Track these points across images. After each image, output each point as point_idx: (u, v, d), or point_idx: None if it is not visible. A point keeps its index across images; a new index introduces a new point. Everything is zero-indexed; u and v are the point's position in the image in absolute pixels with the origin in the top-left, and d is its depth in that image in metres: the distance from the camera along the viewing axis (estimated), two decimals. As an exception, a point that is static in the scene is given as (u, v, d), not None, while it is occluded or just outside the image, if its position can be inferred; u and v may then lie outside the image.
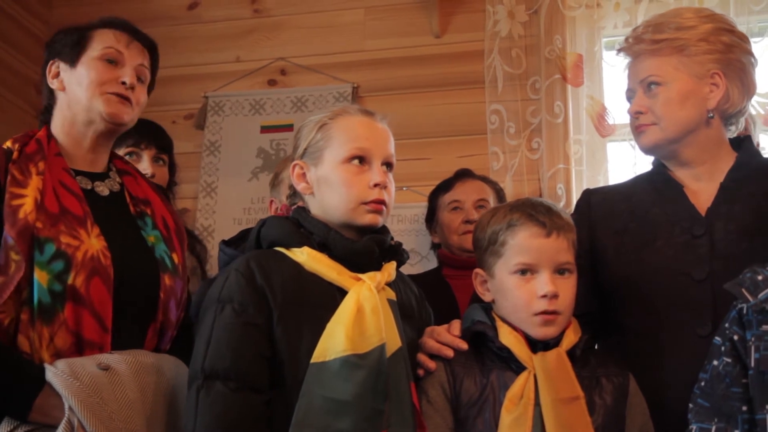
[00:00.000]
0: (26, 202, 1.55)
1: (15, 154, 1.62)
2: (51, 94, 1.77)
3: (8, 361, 1.50)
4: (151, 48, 1.83)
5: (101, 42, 1.74)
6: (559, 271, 1.57)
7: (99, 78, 1.71)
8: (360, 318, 1.47)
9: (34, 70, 3.33)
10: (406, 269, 2.77)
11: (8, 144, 1.66)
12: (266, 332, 1.47)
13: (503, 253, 1.59)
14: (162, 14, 3.48)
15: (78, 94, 1.72)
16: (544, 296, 1.54)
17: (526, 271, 1.57)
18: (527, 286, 1.56)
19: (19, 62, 3.37)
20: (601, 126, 3.00)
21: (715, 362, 1.48)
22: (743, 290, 1.44)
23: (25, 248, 1.51)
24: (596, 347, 1.82)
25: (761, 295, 1.41)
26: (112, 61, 1.73)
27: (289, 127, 3.21)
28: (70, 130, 1.73)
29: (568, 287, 1.57)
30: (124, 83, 1.72)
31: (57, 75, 1.75)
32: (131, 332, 1.64)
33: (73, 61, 1.73)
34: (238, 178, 3.26)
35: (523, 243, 1.56)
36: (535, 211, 1.58)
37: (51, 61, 1.76)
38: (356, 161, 1.58)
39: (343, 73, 3.28)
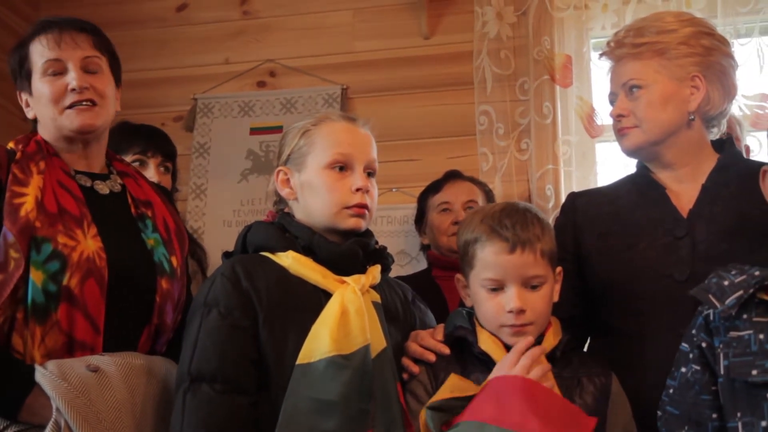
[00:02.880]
0: (27, 201, 1.56)
1: (18, 155, 1.63)
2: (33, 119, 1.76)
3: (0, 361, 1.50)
4: (87, 30, 1.73)
5: (37, 58, 1.69)
6: (529, 285, 1.56)
7: (51, 96, 1.67)
8: (344, 319, 1.48)
9: (22, 72, 3.32)
10: (395, 270, 2.77)
11: (11, 145, 1.67)
12: (252, 335, 1.49)
13: (474, 266, 1.59)
14: (150, 16, 3.47)
15: (45, 118, 1.70)
16: (511, 312, 1.54)
17: (494, 285, 1.56)
18: (496, 299, 1.56)
19: (6, 64, 3.35)
20: (591, 126, 3.01)
21: (684, 369, 1.46)
22: (710, 296, 1.42)
23: (25, 247, 1.52)
24: (583, 349, 1.84)
25: (728, 301, 1.39)
26: (55, 73, 1.67)
27: (278, 129, 3.20)
28: (57, 143, 1.72)
29: (537, 299, 1.56)
30: (73, 90, 1.66)
31: (27, 104, 1.74)
32: (125, 334, 1.64)
33: (27, 87, 1.72)
34: (228, 180, 3.26)
35: (488, 259, 1.56)
36: (500, 226, 1.56)
37: (18, 92, 1.75)
38: (338, 167, 1.60)
39: (332, 75, 3.28)
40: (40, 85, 1.68)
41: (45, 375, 1.47)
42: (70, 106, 1.67)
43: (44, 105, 1.68)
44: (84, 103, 1.67)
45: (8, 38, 3.37)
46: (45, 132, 1.73)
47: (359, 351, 1.46)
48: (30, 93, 1.72)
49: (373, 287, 1.60)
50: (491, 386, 1.46)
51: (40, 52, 1.69)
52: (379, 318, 1.55)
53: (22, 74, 1.72)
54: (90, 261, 1.58)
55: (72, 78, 1.67)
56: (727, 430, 1.38)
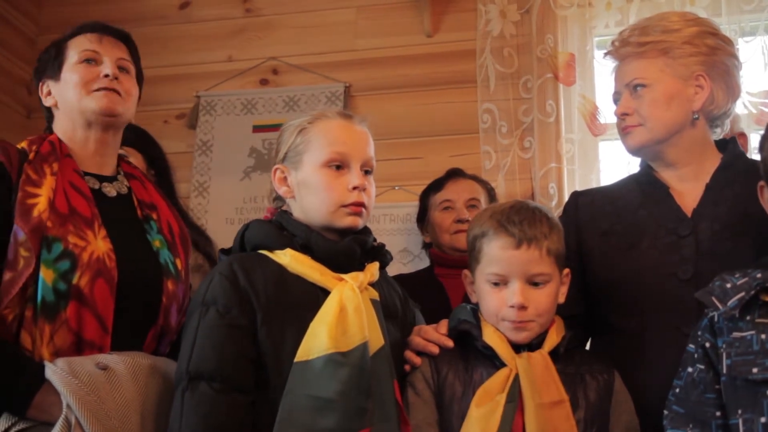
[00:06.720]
0: (40, 201, 1.57)
1: (31, 155, 1.65)
2: (49, 111, 1.80)
3: (9, 357, 1.51)
4: (125, 39, 1.84)
5: (76, 48, 1.76)
6: (533, 281, 1.57)
7: (82, 78, 1.73)
8: (343, 317, 1.48)
9: (25, 69, 3.33)
10: (398, 268, 2.77)
11: (23, 145, 1.69)
12: (250, 334, 1.48)
13: (480, 260, 1.61)
14: (153, 14, 3.48)
15: (69, 101, 1.74)
16: (513, 306, 1.55)
17: (498, 280, 1.58)
18: (499, 294, 1.57)
19: (9, 61, 3.36)
20: (593, 125, 3.00)
21: (690, 369, 1.49)
22: (713, 298, 1.45)
23: (36, 246, 1.53)
24: (586, 347, 1.84)
25: (730, 303, 1.42)
26: (90, 61, 1.75)
27: (281, 127, 3.20)
28: (73, 136, 1.75)
29: (540, 297, 1.56)
30: (106, 76, 1.73)
31: (49, 93, 1.78)
32: (131, 335, 1.65)
33: (56, 74, 1.76)
34: (231, 178, 3.27)
35: (494, 253, 1.57)
36: (507, 222, 1.57)
37: (41, 83, 1.80)
38: (335, 165, 1.59)
39: (335, 73, 3.29)
40: (73, 70, 1.74)
41: (56, 372, 1.48)
42: (98, 90, 1.72)
43: (71, 88, 1.73)
44: (111, 89, 1.73)
45: (11, 35, 3.39)
46: (62, 123, 1.76)
47: (357, 348, 1.46)
48: (57, 79, 1.76)
49: (372, 284, 1.59)
50: None
51: (80, 44, 1.77)
52: (377, 315, 1.54)
53: (54, 63, 1.77)
54: (100, 261, 1.59)
55: (107, 67, 1.75)
56: (729, 427, 1.41)
